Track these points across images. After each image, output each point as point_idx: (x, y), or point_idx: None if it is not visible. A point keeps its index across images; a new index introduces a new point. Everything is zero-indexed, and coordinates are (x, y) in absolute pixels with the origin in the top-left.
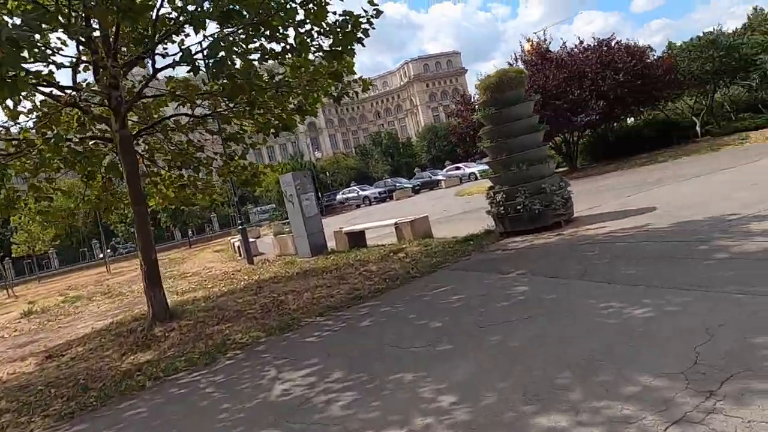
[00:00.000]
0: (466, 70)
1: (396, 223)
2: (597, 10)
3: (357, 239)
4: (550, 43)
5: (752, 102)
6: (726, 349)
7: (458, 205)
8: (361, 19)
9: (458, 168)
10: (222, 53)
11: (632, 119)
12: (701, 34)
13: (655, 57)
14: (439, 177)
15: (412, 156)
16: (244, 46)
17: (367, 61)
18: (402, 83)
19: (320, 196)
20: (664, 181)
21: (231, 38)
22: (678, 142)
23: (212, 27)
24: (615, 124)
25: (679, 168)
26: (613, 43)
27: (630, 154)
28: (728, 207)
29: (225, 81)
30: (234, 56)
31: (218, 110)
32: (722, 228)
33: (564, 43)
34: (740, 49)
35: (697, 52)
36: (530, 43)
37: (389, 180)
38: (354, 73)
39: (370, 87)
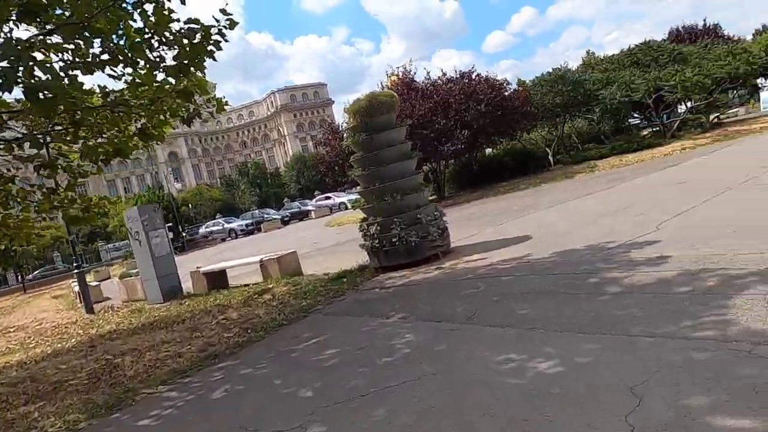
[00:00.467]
0: (333, 101)
1: (261, 260)
2: (453, 48)
3: (217, 280)
4: (414, 73)
5: (595, 133)
6: (662, 417)
7: (329, 236)
8: (212, 30)
9: (328, 198)
10: (12, 57)
11: (491, 149)
12: (551, 70)
13: (512, 90)
14: (309, 207)
15: (281, 186)
16: (55, 53)
17: (231, 89)
18: (269, 113)
19: (181, 230)
20: (531, 207)
21: (33, 40)
22: (534, 170)
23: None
24: (478, 153)
25: (541, 195)
26: (473, 76)
27: (493, 181)
28: (601, 233)
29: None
30: (33, 62)
31: (35, 132)
32: (604, 257)
33: (428, 73)
34: (584, 84)
35: (548, 86)
36: (393, 76)
37: (257, 211)
38: (207, 92)
39: (226, 108)
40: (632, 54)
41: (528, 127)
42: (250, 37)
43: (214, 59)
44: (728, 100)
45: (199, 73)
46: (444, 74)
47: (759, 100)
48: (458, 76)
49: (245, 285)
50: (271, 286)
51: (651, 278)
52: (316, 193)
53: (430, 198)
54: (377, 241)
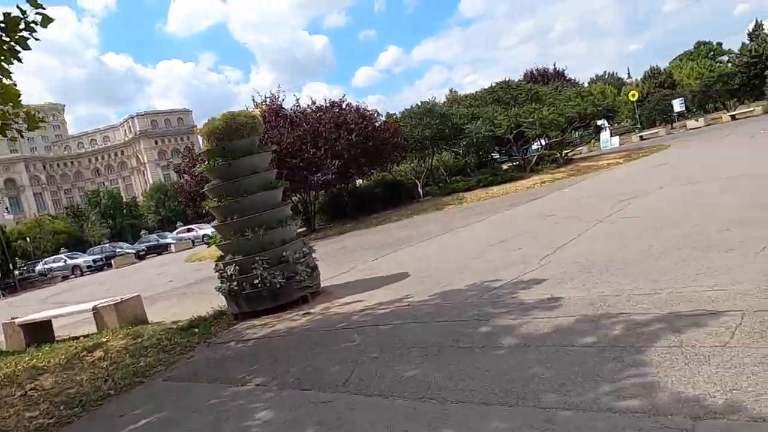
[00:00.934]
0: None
1: (95, 308)
2: (323, 82)
3: (39, 333)
4: (283, 100)
5: (461, 166)
6: None
7: (188, 273)
8: (19, 25)
9: (190, 230)
10: None
11: (363, 180)
12: (420, 103)
13: (383, 121)
14: (169, 240)
15: (138, 217)
16: None
17: (84, 112)
18: (127, 139)
19: (12, 267)
20: (405, 241)
21: None
22: (405, 201)
23: None
24: (349, 184)
25: (415, 227)
26: (344, 105)
27: (365, 213)
28: (483, 270)
29: None
30: None
31: None
32: (492, 299)
33: (297, 100)
34: (451, 118)
35: (417, 119)
36: (262, 105)
37: (108, 245)
38: (19, 104)
39: (41, 125)
40: (494, 91)
41: (398, 158)
42: (106, 58)
43: (20, 60)
44: (574, 139)
45: (6, 80)
46: (314, 102)
47: (599, 140)
48: (328, 105)
49: (76, 337)
50: (105, 339)
51: (549, 326)
52: (178, 224)
53: (299, 231)
54: (236, 283)
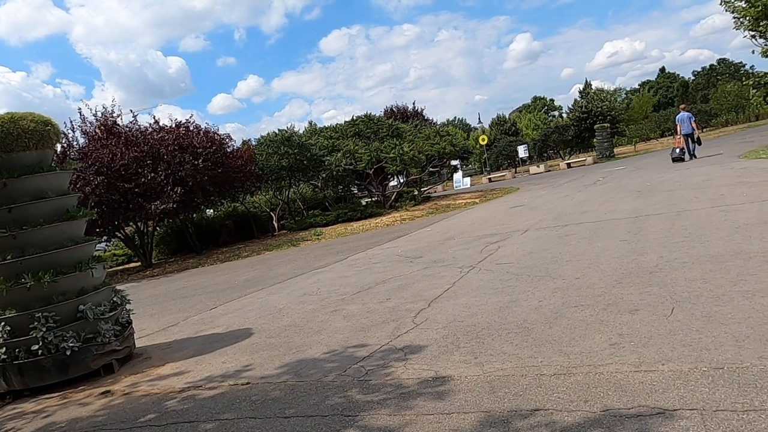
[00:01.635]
0: None
1: None
2: (177, 106)
3: None
4: (119, 116)
5: (319, 200)
6: None
7: None
8: None
9: None
10: None
11: (212, 210)
12: (277, 131)
13: (235, 147)
14: None
15: None
16: None
17: None
18: None
19: None
20: (254, 283)
21: None
22: (258, 235)
23: None
24: (195, 214)
25: (266, 266)
26: (191, 126)
27: (212, 246)
28: (345, 330)
29: None
30: None
31: None
32: (359, 377)
33: (135, 116)
34: (311, 149)
35: (274, 148)
36: (101, 128)
37: None
38: None
39: None
40: (355, 124)
41: (252, 188)
42: None
43: None
44: (431, 177)
45: None
46: (156, 121)
47: (452, 180)
48: (174, 125)
49: None
50: None
51: (443, 428)
52: None
53: (133, 265)
54: (5, 350)
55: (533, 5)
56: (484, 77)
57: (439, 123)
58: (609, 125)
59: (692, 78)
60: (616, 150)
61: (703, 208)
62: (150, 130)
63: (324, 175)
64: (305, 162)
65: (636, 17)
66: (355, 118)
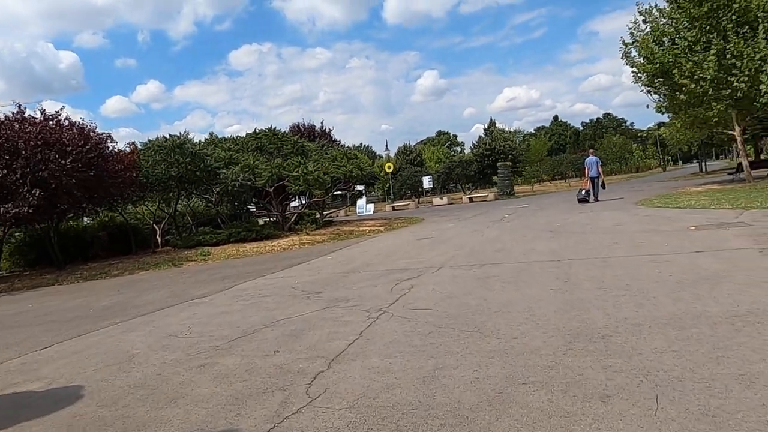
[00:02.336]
0: None
1: None
2: (66, 103)
3: None
4: None
5: (212, 216)
6: None
7: None
8: None
9: None
10: None
11: (89, 219)
12: (168, 136)
13: (117, 149)
14: None
15: None
16: None
17: None
18: None
19: None
20: (113, 313)
21: None
22: (138, 250)
23: None
24: (62, 222)
25: (135, 289)
26: (62, 119)
27: (80, 260)
28: (211, 398)
29: None
30: None
31: None
32: None
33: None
34: (205, 159)
35: (163, 154)
36: None
37: None
38: None
39: None
40: (258, 138)
41: (134, 198)
42: None
43: None
44: (335, 201)
45: None
46: (22, 110)
47: (356, 205)
48: (41, 117)
49: None
50: None
51: None
52: None
53: None
54: None
55: (442, 45)
56: (392, 108)
57: (347, 146)
58: (511, 164)
59: (581, 128)
60: (515, 188)
61: (628, 255)
62: (8, 120)
63: (218, 190)
64: (198, 173)
65: (533, 68)
66: (258, 131)
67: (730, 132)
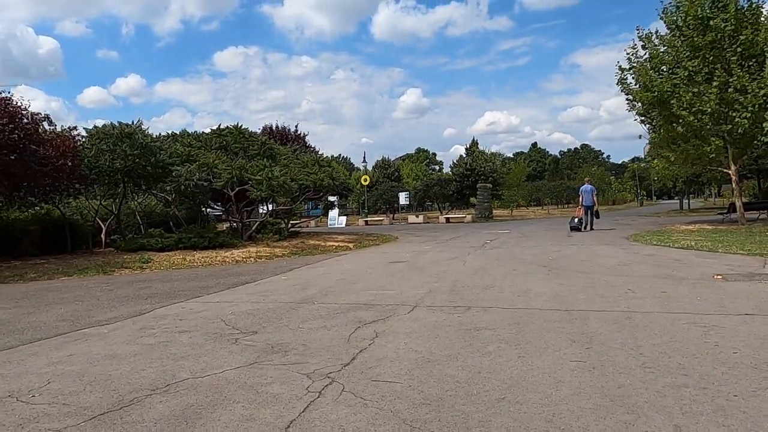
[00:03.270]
0: None
1: None
2: (41, 90)
3: None
4: None
5: (166, 217)
6: None
7: None
8: None
9: None
10: None
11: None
12: (117, 123)
13: (52, 131)
14: None
15: None
16: None
17: None
18: None
19: None
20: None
21: None
22: (74, 250)
23: None
24: None
25: (34, 302)
26: None
27: (7, 256)
28: None
29: None
30: None
31: None
32: None
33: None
34: (158, 153)
35: (110, 144)
36: None
37: None
38: None
39: None
40: (222, 135)
41: (72, 190)
42: None
43: None
44: (304, 210)
45: None
46: None
47: (327, 216)
48: None
49: None
50: None
51: None
52: None
53: None
54: None
55: (427, 64)
56: (373, 122)
57: (324, 153)
58: (491, 186)
59: (560, 156)
60: (494, 212)
61: (657, 312)
62: None
63: (170, 188)
64: (149, 168)
65: (515, 94)
66: (222, 128)
67: (724, 170)
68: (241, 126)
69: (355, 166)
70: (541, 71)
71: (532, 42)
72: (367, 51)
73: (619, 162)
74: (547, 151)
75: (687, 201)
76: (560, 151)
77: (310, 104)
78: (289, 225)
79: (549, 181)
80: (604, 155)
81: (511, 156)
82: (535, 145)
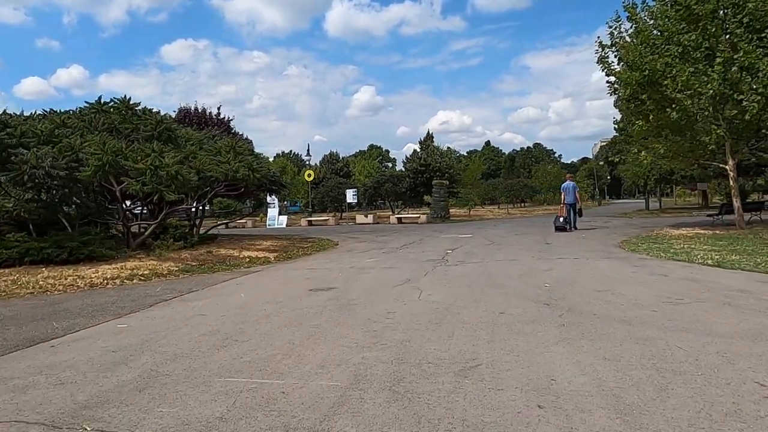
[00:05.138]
0: None
1: None
2: None
3: None
4: None
5: (26, 217)
6: None
7: None
8: None
9: None
10: None
11: None
12: None
13: None
14: None
15: None
16: None
17: None
18: None
19: None
20: None
21: None
22: None
23: None
24: None
25: None
26: None
27: None
28: None
29: None
30: None
31: None
32: None
33: None
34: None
35: None
36: None
37: None
38: None
39: None
40: (103, 111)
41: None
42: None
43: None
44: (244, 207)
45: None
46: None
47: (267, 215)
48: None
49: None
50: None
51: None
52: None
53: None
54: None
55: (380, 62)
56: (327, 119)
57: (270, 156)
58: (447, 183)
59: (515, 154)
60: (450, 212)
61: None
62: None
63: (12, 176)
64: None
65: (467, 94)
66: (102, 102)
67: (720, 165)
68: (130, 100)
69: (306, 161)
70: (492, 72)
71: (485, 43)
72: (320, 47)
73: (569, 162)
74: (501, 150)
75: (658, 201)
76: (513, 150)
77: (262, 100)
78: (197, 227)
79: (505, 179)
80: (557, 154)
81: (465, 154)
82: (488, 143)
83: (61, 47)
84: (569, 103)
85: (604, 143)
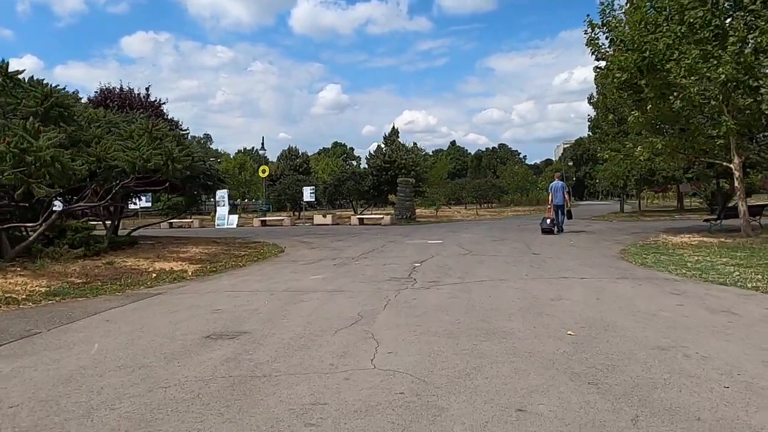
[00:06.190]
0: None
1: None
2: None
3: None
4: None
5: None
6: None
7: None
8: None
9: None
10: None
11: None
12: None
13: None
14: None
15: None
16: None
17: None
18: None
19: None
20: None
21: None
22: None
23: None
24: None
25: None
26: None
27: None
28: None
29: None
30: None
31: None
32: None
33: None
34: None
35: None
36: None
37: None
38: None
39: None
40: None
41: None
42: None
43: None
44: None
45: None
46: None
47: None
48: None
49: None
50: None
51: None
52: None
53: None
54: None
55: (346, 61)
56: (292, 117)
57: (231, 152)
58: (414, 181)
59: (481, 153)
60: (416, 212)
61: None
62: None
63: None
64: None
65: (432, 94)
66: None
67: (724, 163)
68: (8, 66)
69: (271, 160)
70: (457, 73)
71: (450, 44)
72: (285, 44)
73: (533, 163)
74: (467, 150)
75: (638, 203)
76: (478, 150)
77: (226, 95)
78: (115, 229)
79: (472, 179)
80: (521, 155)
81: (431, 154)
82: (454, 143)
83: (14, 36)
84: (532, 106)
85: (567, 145)
